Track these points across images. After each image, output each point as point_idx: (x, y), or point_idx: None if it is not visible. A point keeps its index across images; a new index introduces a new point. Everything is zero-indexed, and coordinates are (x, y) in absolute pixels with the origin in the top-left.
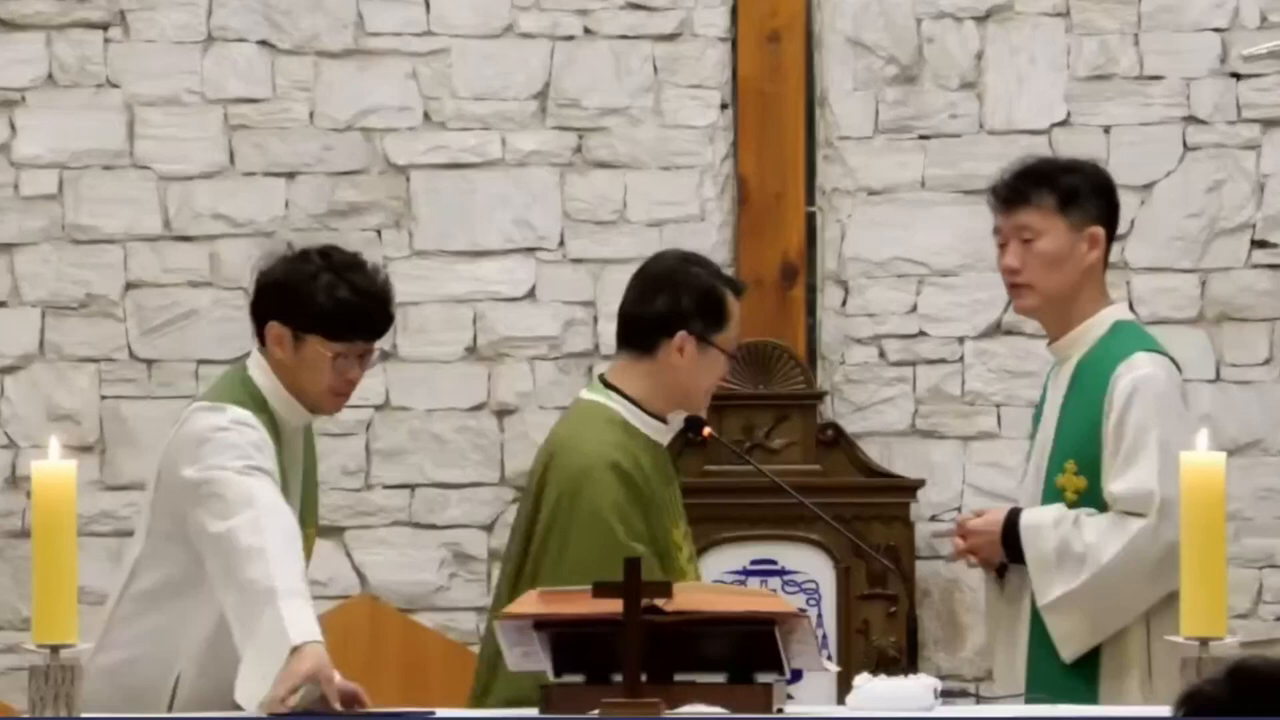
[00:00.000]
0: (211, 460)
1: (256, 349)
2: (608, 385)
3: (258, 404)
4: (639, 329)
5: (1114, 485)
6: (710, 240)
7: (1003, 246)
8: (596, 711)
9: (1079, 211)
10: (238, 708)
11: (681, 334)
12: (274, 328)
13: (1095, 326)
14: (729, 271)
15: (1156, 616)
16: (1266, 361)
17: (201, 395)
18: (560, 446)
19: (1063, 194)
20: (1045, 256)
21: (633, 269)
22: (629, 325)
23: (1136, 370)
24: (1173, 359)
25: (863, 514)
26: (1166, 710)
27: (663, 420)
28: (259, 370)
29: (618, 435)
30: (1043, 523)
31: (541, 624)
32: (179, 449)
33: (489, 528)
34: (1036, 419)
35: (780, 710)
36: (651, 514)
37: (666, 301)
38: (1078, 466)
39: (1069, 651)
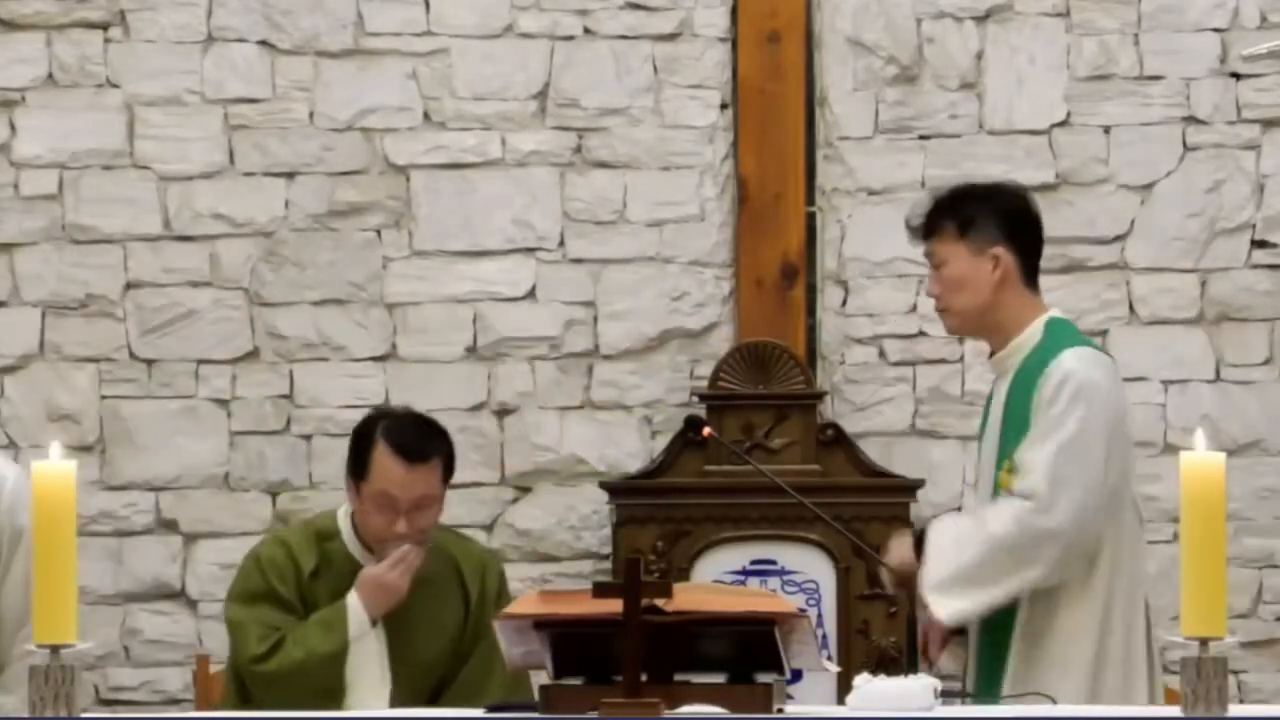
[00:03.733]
0: None
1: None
2: None
3: None
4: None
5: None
6: (710, 240)
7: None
8: (596, 712)
9: (978, 236)
10: None
11: (346, 475)
12: None
13: (1029, 338)
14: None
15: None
16: (1266, 361)
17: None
18: None
19: (960, 221)
20: (951, 281)
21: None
22: None
23: (1061, 367)
24: (1103, 350)
25: (863, 514)
26: (1169, 710)
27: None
28: None
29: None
30: (945, 522)
31: (541, 624)
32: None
33: (489, 528)
34: (982, 429)
35: (780, 710)
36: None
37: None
38: (1012, 465)
39: (948, 613)
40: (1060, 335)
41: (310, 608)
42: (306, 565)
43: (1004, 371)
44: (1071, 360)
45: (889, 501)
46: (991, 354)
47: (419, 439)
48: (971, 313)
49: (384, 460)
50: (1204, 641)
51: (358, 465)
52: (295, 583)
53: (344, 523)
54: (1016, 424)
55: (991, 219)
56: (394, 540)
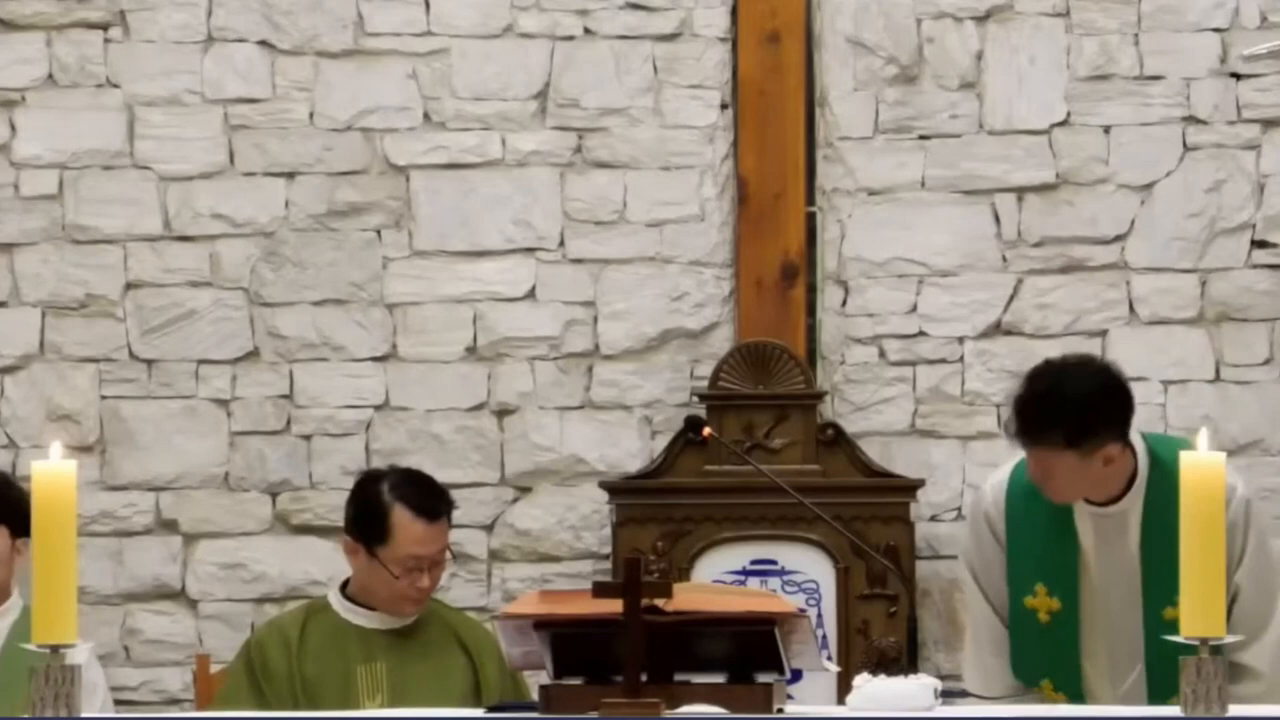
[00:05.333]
0: None
1: None
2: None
3: None
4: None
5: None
6: (710, 240)
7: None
8: (596, 712)
9: (1088, 444)
10: None
11: (346, 538)
12: None
13: (1140, 477)
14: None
15: None
16: (1266, 361)
17: None
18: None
19: (1069, 433)
20: (1064, 479)
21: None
22: None
23: (1236, 489)
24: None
25: (863, 514)
26: (1169, 710)
27: (369, 607)
28: None
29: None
30: None
31: (541, 624)
32: None
33: (489, 528)
34: (1020, 552)
35: (780, 710)
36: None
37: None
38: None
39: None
40: (1167, 447)
41: (300, 670)
42: (294, 634)
43: (1119, 512)
44: (1239, 481)
45: (889, 501)
46: (1093, 503)
47: (433, 496)
48: (1087, 493)
49: (406, 522)
50: (1204, 641)
51: (373, 531)
52: (285, 651)
53: (333, 594)
54: (1170, 559)
55: (1101, 426)
56: (413, 596)
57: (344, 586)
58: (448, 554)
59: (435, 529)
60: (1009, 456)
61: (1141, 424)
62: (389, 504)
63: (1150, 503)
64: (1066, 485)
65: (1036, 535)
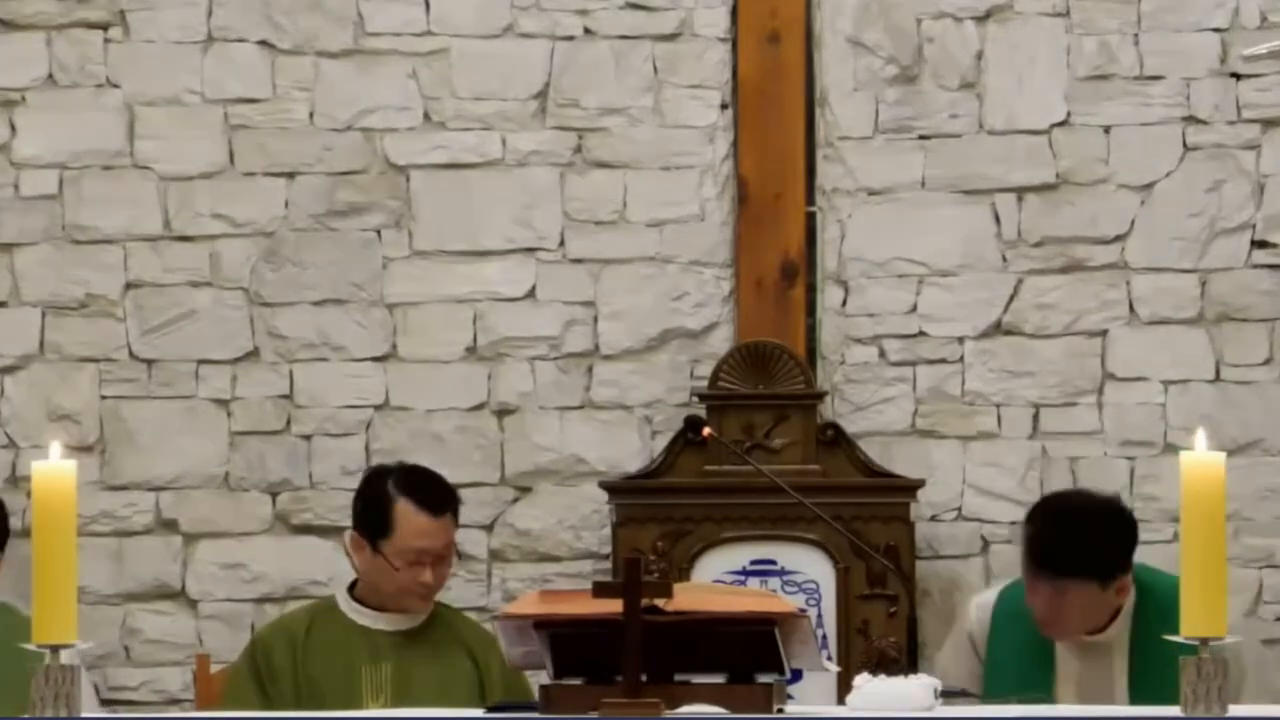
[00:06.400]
0: None
1: None
2: None
3: None
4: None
5: None
6: (710, 240)
7: (1033, 583)
8: (596, 712)
9: (1113, 578)
10: None
11: (353, 533)
12: None
13: (1126, 606)
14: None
15: None
16: (1266, 361)
17: None
18: None
19: (1102, 572)
20: (1080, 612)
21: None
22: None
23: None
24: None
25: (863, 514)
26: (1169, 710)
27: (376, 608)
28: None
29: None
30: None
31: (541, 624)
32: None
33: (489, 528)
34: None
35: (780, 710)
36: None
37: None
38: None
39: None
40: (1157, 578)
41: (305, 670)
42: (299, 633)
43: (1105, 641)
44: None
45: (889, 501)
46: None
47: (437, 489)
48: (1086, 629)
49: (409, 515)
50: (1204, 641)
51: (377, 524)
52: (290, 651)
53: (340, 593)
54: (1162, 692)
55: (1121, 560)
56: (418, 591)
57: (351, 588)
58: (454, 553)
59: (438, 524)
60: (1008, 456)
61: (1141, 424)
62: (393, 497)
63: (1138, 633)
64: (1079, 619)
65: (1013, 663)
